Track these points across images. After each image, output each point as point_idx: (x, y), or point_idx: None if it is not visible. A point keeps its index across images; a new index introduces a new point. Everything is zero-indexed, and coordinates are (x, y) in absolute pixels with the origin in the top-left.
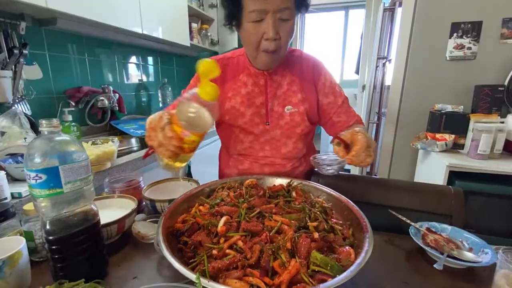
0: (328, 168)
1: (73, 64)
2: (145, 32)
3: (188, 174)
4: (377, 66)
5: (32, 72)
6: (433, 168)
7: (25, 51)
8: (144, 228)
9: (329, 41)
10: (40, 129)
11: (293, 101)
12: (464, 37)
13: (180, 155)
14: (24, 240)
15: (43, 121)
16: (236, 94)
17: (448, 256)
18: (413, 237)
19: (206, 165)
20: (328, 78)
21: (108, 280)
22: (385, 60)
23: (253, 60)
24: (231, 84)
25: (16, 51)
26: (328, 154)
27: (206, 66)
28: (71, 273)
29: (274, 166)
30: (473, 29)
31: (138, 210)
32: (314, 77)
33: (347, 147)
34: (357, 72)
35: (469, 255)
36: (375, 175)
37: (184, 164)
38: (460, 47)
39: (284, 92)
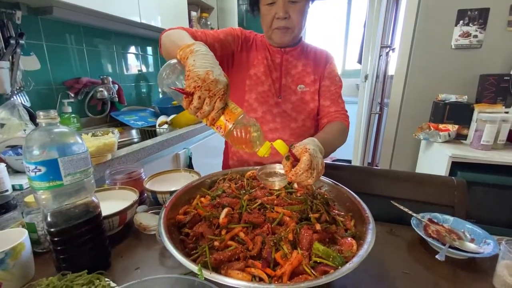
0: (269, 179)
1: (71, 55)
2: (143, 21)
3: (190, 166)
4: (380, 55)
5: (30, 63)
6: (435, 159)
7: (21, 41)
8: (146, 219)
9: (331, 30)
10: (37, 120)
11: (306, 81)
12: (470, 24)
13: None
14: (26, 231)
15: (41, 113)
16: (259, 63)
17: (450, 247)
18: (415, 228)
19: (207, 156)
20: (332, 66)
21: (111, 271)
22: (388, 49)
23: (269, 39)
24: (256, 54)
25: (12, 41)
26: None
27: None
28: (73, 264)
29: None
30: (480, 17)
31: (140, 201)
32: (325, 63)
33: (297, 161)
34: (359, 61)
35: (471, 246)
36: (377, 166)
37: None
38: (466, 35)
39: (298, 72)
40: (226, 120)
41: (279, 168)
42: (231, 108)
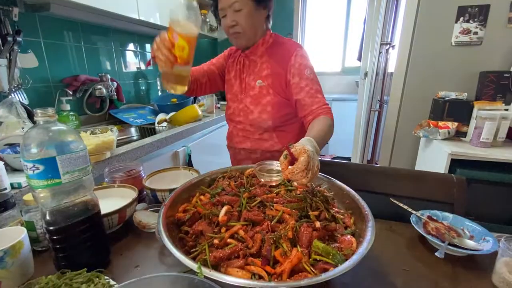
0: (266, 175)
1: (69, 52)
2: (141, 18)
3: (189, 164)
4: (380, 52)
5: (27, 60)
6: (434, 156)
7: (19, 39)
8: (145, 217)
9: (331, 27)
10: (35, 118)
11: (263, 75)
12: (470, 21)
13: (174, 66)
14: (25, 230)
15: (38, 111)
16: (232, 69)
17: (449, 244)
18: (414, 225)
19: (207, 154)
20: (298, 60)
21: (110, 269)
22: (388, 46)
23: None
24: (232, 61)
25: (9, 39)
26: (276, 162)
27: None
28: (73, 262)
29: (245, 131)
30: (480, 13)
31: (139, 199)
32: (289, 56)
33: (294, 159)
34: (359, 59)
35: (470, 243)
36: (376, 163)
37: (185, 88)
38: (466, 32)
39: (258, 69)
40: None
41: (276, 165)
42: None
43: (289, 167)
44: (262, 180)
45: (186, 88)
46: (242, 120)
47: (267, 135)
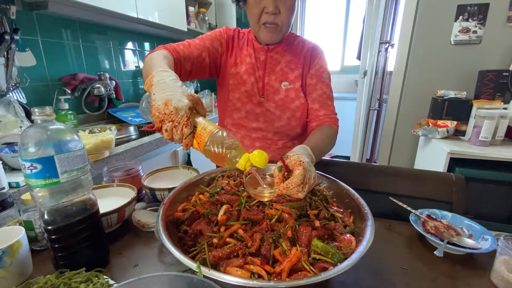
0: (258, 189)
1: (67, 51)
2: (140, 17)
3: (188, 163)
4: (379, 51)
5: (25, 58)
6: (433, 155)
7: (16, 37)
8: (144, 216)
9: (330, 26)
10: (33, 117)
11: (290, 77)
12: (470, 20)
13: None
14: (23, 229)
15: (36, 110)
16: (242, 62)
17: (448, 242)
18: (413, 224)
19: None
20: (320, 62)
21: (109, 268)
22: (387, 45)
23: (256, 34)
24: (238, 52)
25: (7, 37)
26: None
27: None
28: (72, 262)
29: (265, 141)
30: (480, 12)
31: (138, 198)
32: (312, 58)
33: (289, 171)
34: (358, 57)
35: (469, 242)
36: (375, 162)
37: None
38: (466, 30)
39: (281, 68)
40: (198, 142)
41: (268, 173)
42: (200, 130)
43: (284, 182)
44: (252, 194)
45: None
46: (262, 127)
47: (291, 143)
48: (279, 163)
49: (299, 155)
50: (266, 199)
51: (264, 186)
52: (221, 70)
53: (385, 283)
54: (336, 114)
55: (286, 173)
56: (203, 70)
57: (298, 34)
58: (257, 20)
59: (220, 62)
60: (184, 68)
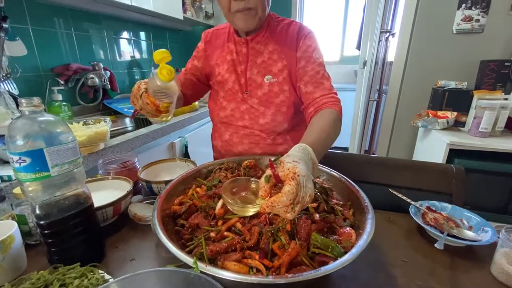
0: (238, 203)
1: (59, 40)
2: (134, 4)
3: (185, 155)
4: (379, 41)
5: (15, 48)
6: (432, 146)
7: (5, 25)
8: (140, 210)
9: (329, 15)
10: (20, 108)
11: (273, 70)
12: (473, 8)
13: (161, 114)
14: (16, 224)
15: (23, 100)
16: (223, 61)
17: (448, 234)
18: (413, 216)
19: (203, 145)
20: (306, 42)
21: (105, 262)
22: (388, 34)
23: (233, 24)
24: (220, 52)
25: None
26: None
27: (160, 54)
28: (66, 257)
29: (253, 137)
30: (483, 0)
31: (134, 191)
32: (297, 42)
33: (280, 182)
34: (358, 47)
35: (469, 234)
36: (374, 154)
37: (170, 118)
38: (468, 19)
39: (264, 60)
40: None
41: (253, 181)
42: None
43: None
44: (231, 209)
45: (170, 118)
46: (248, 125)
47: (281, 138)
48: (268, 171)
49: (296, 164)
50: (245, 214)
51: (249, 194)
52: (210, 77)
53: (385, 275)
54: (335, 93)
55: (276, 184)
56: (199, 88)
57: (284, 17)
58: (228, 9)
59: (205, 73)
60: (186, 96)
